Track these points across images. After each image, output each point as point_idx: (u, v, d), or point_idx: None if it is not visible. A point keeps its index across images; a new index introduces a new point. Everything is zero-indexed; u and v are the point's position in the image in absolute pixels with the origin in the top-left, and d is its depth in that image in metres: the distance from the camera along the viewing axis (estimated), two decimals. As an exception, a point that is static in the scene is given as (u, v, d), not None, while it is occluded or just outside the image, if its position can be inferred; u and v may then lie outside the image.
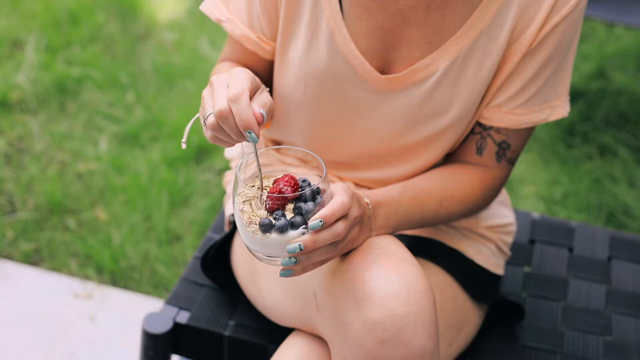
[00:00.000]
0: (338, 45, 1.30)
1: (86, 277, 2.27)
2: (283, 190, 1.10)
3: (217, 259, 1.52)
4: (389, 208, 1.25)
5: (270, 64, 1.40)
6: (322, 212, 1.09)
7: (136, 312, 2.14)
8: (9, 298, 2.18)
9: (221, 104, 1.10)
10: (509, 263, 1.68)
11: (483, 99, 1.34)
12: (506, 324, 1.55)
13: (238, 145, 1.55)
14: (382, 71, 1.32)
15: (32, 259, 2.31)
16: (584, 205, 2.57)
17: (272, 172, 1.17)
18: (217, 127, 1.13)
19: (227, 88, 1.11)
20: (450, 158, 1.42)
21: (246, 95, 1.10)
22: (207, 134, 1.15)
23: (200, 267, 1.54)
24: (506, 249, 1.52)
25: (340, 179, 1.44)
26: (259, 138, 1.10)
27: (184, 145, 1.18)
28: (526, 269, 1.69)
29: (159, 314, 1.48)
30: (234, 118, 1.10)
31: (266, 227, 1.09)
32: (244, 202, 1.12)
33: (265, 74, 1.41)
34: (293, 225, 1.09)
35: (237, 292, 1.53)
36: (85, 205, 2.47)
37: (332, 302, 1.18)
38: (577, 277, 1.67)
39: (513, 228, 1.54)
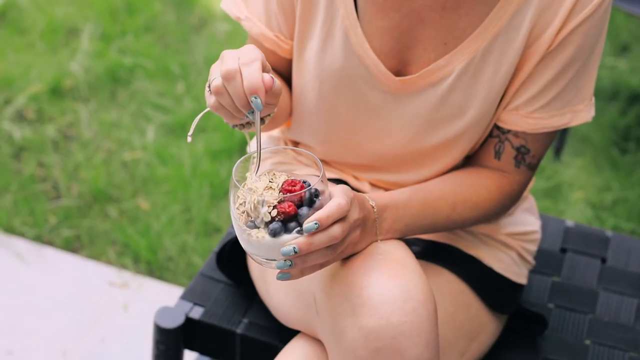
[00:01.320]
0: (353, 45, 1.27)
1: (123, 266, 2.29)
2: (288, 210, 1.07)
3: (233, 255, 1.50)
4: (397, 212, 1.22)
5: (290, 63, 1.37)
6: (318, 214, 1.06)
7: (170, 303, 2.15)
8: (46, 283, 2.21)
9: (231, 65, 1.08)
10: (537, 272, 1.63)
11: (501, 102, 1.29)
12: (528, 335, 1.50)
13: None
14: (399, 72, 1.29)
15: (72, 246, 2.34)
16: (635, 213, 2.48)
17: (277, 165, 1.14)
18: (222, 91, 1.10)
19: (238, 59, 1.10)
20: (469, 161, 1.38)
21: (259, 62, 1.08)
22: (210, 100, 1.13)
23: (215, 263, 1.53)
24: (529, 258, 1.47)
25: (357, 179, 1.42)
26: (263, 106, 1.08)
27: (189, 139, 1.16)
28: (555, 278, 1.63)
29: (171, 308, 1.47)
30: (241, 79, 1.08)
31: (254, 225, 1.07)
32: (240, 204, 1.10)
33: (286, 73, 1.39)
34: (287, 229, 1.07)
35: (253, 289, 1.52)
36: (127, 194, 2.49)
37: (329, 306, 1.15)
38: (607, 290, 1.61)
39: (537, 236, 1.49)
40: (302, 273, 1.11)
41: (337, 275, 1.15)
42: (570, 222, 1.75)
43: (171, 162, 2.60)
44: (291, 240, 1.06)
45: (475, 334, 1.37)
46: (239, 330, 1.45)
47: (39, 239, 2.34)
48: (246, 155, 1.13)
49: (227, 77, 1.08)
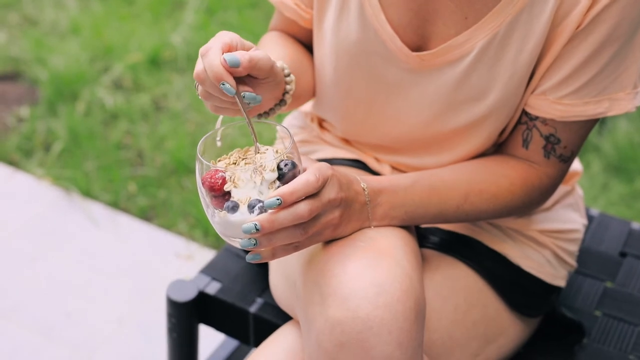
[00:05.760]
0: (368, 17, 1.18)
1: (192, 238, 2.28)
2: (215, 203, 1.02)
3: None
4: (395, 197, 1.13)
5: (312, 34, 1.30)
6: (281, 190, 0.99)
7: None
8: (114, 249, 2.24)
9: (198, 66, 1.04)
10: (589, 275, 1.49)
11: (528, 85, 1.17)
12: (563, 343, 1.37)
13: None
14: (419, 47, 1.19)
15: (147, 215, 2.35)
16: None
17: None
18: (206, 95, 1.06)
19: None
20: (498, 150, 1.27)
21: (216, 47, 1.02)
22: (207, 105, 1.09)
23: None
24: (569, 259, 1.34)
25: (379, 161, 1.33)
26: (235, 88, 1.01)
27: (219, 144, 1.11)
28: (608, 284, 1.49)
29: (186, 282, 1.44)
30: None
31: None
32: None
33: (310, 45, 1.32)
34: (250, 205, 1.00)
35: (275, 269, 1.46)
36: (207, 167, 2.48)
37: (304, 292, 1.08)
38: (666, 301, 1.46)
39: (578, 235, 1.36)
40: (275, 255, 1.04)
41: (314, 260, 1.08)
42: (636, 225, 1.60)
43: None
44: (254, 217, 1.00)
45: (493, 336, 1.26)
46: (252, 310, 1.40)
47: (115, 205, 2.37)
48: (212, 132, 1.07)
49: (199, 80, 1.04)
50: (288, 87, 1.16)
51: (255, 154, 1.06)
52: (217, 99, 1.07)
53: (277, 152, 1.04)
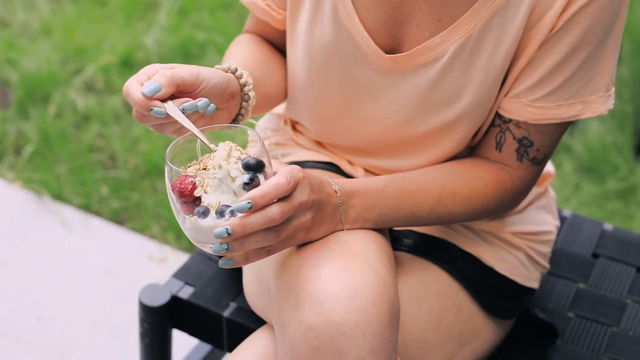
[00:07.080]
0: (341, 19, 1.18)
1: (165, 241, 2.27)
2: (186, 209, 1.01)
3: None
4: (367, 199, 1.13)
5: (285, 35, 1.30)
6: (251, 193, 0.98)
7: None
8: (86, 253, 2.21)
9: (134, 113, 1.07)
10: (561, 277, 1.50)
11: (502, 88, 1.18)
12: (536, 345, 1.38)
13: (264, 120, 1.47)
14: (393, 50, 1.19)
15: (119, 218, 2.34)
16: None
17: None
18: (158, 128, 1.08)
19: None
20: (471, 152, 1.27)
21: (134, 85, 1.04)
22: (169, 135, 1.11)
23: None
24: (541, 260, 1.35)
25: (352, 164, 1.33)
26: (163, 107, 1.03)
27: (199, 153, 1.10)
28: (581, 285, 1.49)
29: (159, 286, 1.43)
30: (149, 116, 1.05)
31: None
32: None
33: (282, 47, 1.32)
34: (215, 211, 0.99)
35: (249, 273, 1.45)
36: (180, 170, 2.47)
37: (277, 296, 1.07)
38: (638, 302, 1.46)
39: (551, 237, 1.36)
40: (248, 259, 1.03)
41: (287, 263, 1.07)
42: (608, 226, 1.61)
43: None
44: (225, 222, 0.99)
45: (467, 339, 1.26)
46: (226, 314, 1.39)
47: (87, 208, 2.34)
48: (183, 137, 1.06)
49: (140, 120, 1.06)
50: (242, 80, 1.16)
51: (209, 160, 1.05)
52: (171, 125, 1.08)
53: (230, 148, 1.03)
